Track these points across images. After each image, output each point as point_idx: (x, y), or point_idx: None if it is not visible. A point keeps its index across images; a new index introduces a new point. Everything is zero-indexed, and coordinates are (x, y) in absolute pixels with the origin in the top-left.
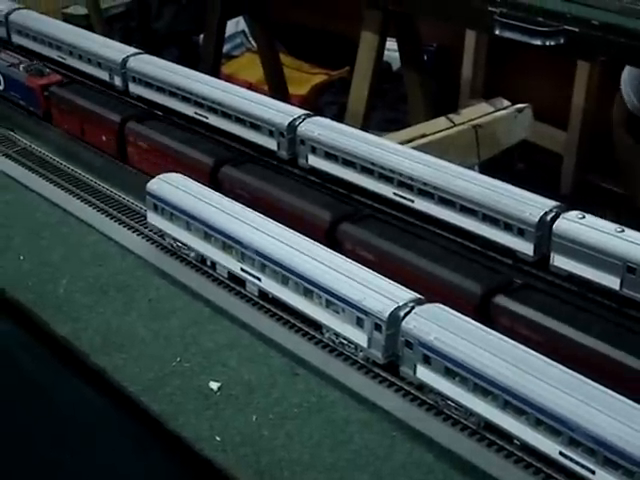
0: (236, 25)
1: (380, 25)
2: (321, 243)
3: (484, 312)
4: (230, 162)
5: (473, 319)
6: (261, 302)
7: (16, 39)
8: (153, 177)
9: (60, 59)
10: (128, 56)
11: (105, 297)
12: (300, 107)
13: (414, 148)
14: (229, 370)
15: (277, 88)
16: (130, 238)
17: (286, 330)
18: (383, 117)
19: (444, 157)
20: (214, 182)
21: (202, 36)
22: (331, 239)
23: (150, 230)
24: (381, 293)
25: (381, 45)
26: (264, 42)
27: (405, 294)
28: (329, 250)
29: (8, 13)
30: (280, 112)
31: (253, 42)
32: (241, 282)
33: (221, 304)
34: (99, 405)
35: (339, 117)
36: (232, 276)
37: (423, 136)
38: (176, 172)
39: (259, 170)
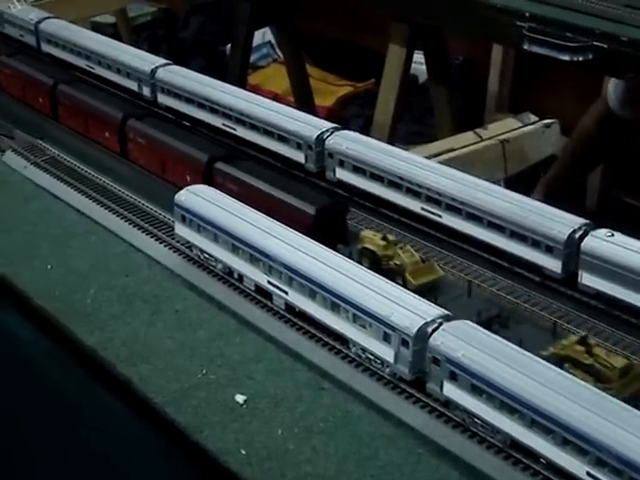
0: (262, 36)
1: (408, 38)
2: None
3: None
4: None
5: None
6: (288, 315)
7: (45, 48)
8: (180, 189)
9: (89, 68)
10: (157, 67)
11: (132, 307)
12: (327, 119)
13: (441, 162)
14: (255, 383)
15: (303, 99)
16: (157, 249)
17: (312, 344)
18: (408, 130)
19: (471, 172)
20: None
21: (228, 46)
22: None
23: (177, 241)
24: (408, 309)
25: (408, 58)
26: (291, 53)
27: (433, 310)
28: (357, 265)
29: (38, 22)
30: (308, 125)
31: (279, 53)
32: (268, 295)
33: (247, 317)
34: (124, 415)
35: (365, 129)
36: (259, 289)
37: (450, 150)
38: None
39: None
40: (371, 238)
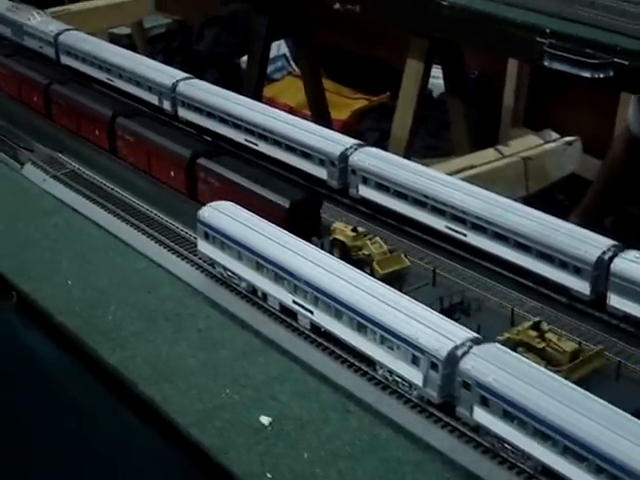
0: (277, 48)
1: (426, 53)
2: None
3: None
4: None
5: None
6: (313, 335)
7: (65, 60)
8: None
9: (109, 81)
10: (178, 80)
11: (154, 325)
12: (341, 132)
13: (462, 179)
14: (280, 404)
15: (319, 112)
16: (179, 265)
17: (338, 365)
18: (424, 144)
19: (492, 189)
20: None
21: (243, 59)
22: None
23: (200, 258)
24: (438, 331)
25: (426, 73)
26: (307, 66)
27: (462, 333)
28: (385, 286)
29: (58, 34)
30: (332, 141)
31: (294, 66)
32: (292, 314)
33: (271, 336)
34: (146, 435)
35: (380, 143)
36: (283, 308)
37: (471, 167)
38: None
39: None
40: (342, 230)
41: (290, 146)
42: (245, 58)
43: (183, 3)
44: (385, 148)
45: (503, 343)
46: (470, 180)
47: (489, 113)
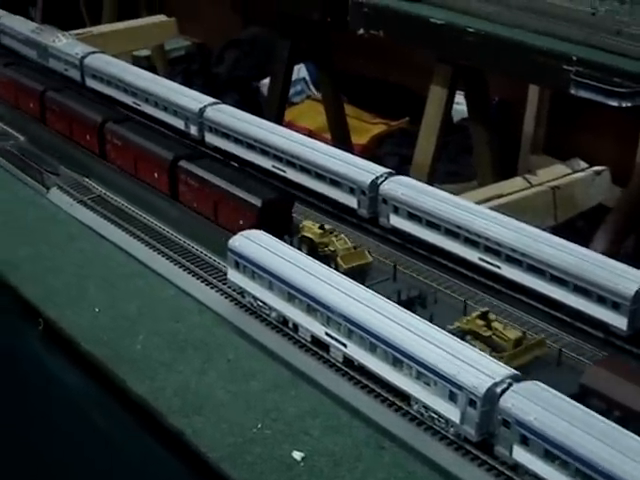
0: (297, 72)
1: (450, 80)
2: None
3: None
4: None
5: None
6: (345, 368)
7: (90, 83)
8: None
9: (135, 105)
10: (205, 106)
11: (183, 355)
12: (361, 157)
13: (490, 208)
14: (312, 439)
15: (340, 137)
16: (208, 294)
17: (371, 399)
18: (444, 169)
19: (520, 218)
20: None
21: (262, 82)
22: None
23: (229, 287)
24: (476, 367)
25: (450, 99)
26: (329, 91)
27: (502, 369)
28: (421, 319)
29: (83, 57)
30: (362, 169)
31: (314, 89)
32: (325, 347)
33: (303, 368)
34: (176, 468)
35: (399, 168)
36: (315, 340)
37: (500, 196)
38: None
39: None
40: (310, 227)
41: (319, 174)
42: (265, 81)
43: (203, 26)
44: (404, 173)
45: (453, 331)
46: (498, 209)
47: (509, 139)
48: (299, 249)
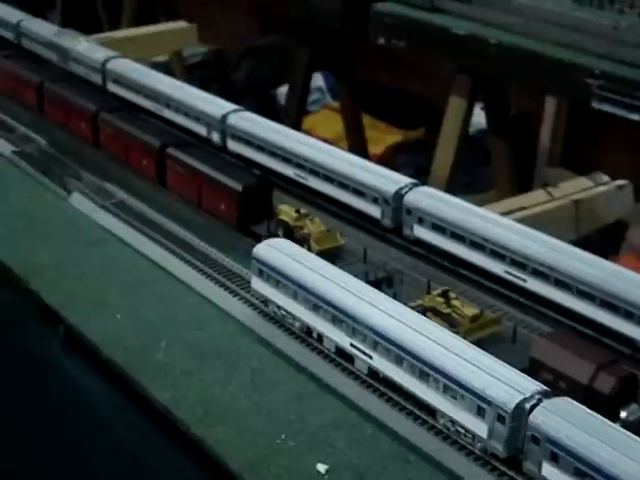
0: (314, 81)
1: (470, 91)
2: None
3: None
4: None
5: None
6: (370, 380)
7: (112, 87)
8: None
9: (156, 111)
10: (228, 112)
11: (205, 363)
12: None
13: (514, 220)
14: (336, 452)
15: (357, 147)
16: (231, 302)
17: (396, 412)
18: (459, 181)
19: (542, 231)
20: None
21: (279, 90)
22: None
23: (252, 295)
24: (505, 382)
25: (469, 111)
26: (348, 100)
27: (531, 385)
28: (450, 333)
29: (105, 61)
30: (385, 179)
31: (330, 98)
32: (349, 358)
33: (327, 379)
34: (197, 479)
35: (415, 178)
36: (340, 351)
37: (522, 209)
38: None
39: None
40: (286, 211)
41: (342, 182)
42: (281, 89)
43: (220, 32)
44: (420, 184)
45: (415, 308)
46: (520, 221)
47: (525, 151)
48: (276, 232)
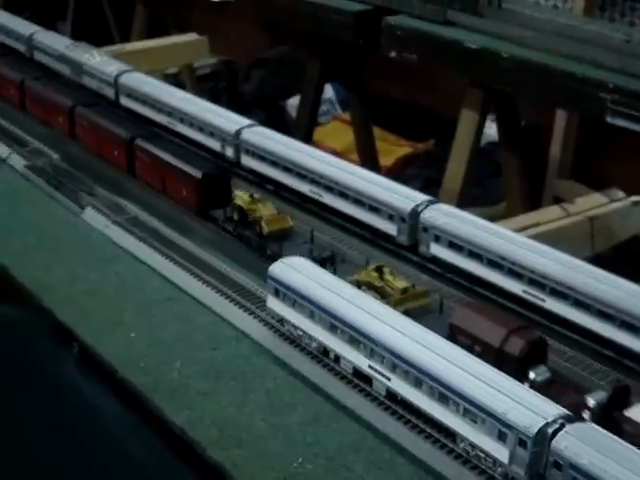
0: (323, 92)
1: (482, 104)
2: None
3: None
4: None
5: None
6: (388, 403)
7: (124, 101)
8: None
9: (170, 125)
10: (242, 127)
11: (221, 384)
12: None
13: (528, 237)
14: (354, 476)
15: (368, 158)
16: (246, 321)
17: (415, 435)
18: (468, 194)
19: (558, 248)
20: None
21: (289, 101)
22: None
23: (267, 314)
24: (527, 406)
25: (481, 124)
26: (358, 112)
27: (553, 409)
28: (470, 356)
29: (118, 75)
30: (401, 196)
31: (339, 109)
32: (367, 379)
33: (344, 401)
34: None
35: (424, 190)
36: (357, 372)
37: (537, 225)
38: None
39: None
40: (241, 196)
41: (357, 199)
42: (291, 100)
43: (230, 44)
44: (429, 195)
45: (352, 282)
46: (535, 238)
47: (535, 163)
48: (231, 216)
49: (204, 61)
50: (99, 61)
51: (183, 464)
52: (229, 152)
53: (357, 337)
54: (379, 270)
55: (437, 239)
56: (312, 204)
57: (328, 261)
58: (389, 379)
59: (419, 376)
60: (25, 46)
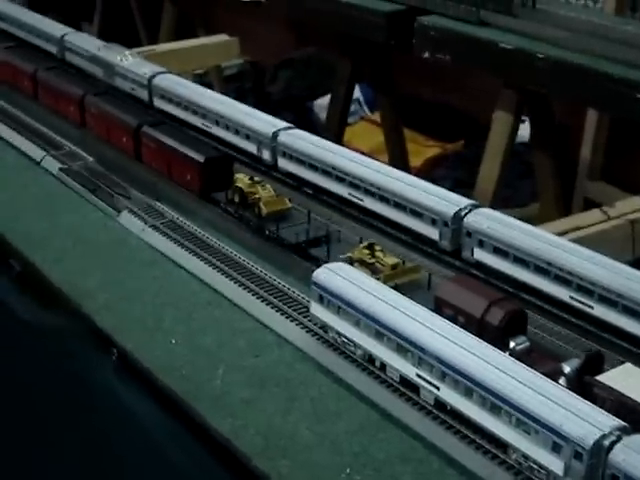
0: None
1: (515, 105)
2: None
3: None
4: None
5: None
6: (437, 412)
7: (158, 103)
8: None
9: (205, 127)
10: (279, 130)
11: (264, 392)
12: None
13: (570, 240)
14: None
15: (398, 159)
16: (289, 328)
17: (465, 446)
18: (499, 195)
19: (599, 251)
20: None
21: (316, 102)
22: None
23: (310, 321)
24: (582, 417)
25: (515, 125)
26: (389, 113)
27: (609, 421)
28: (523, 365)
29: (152, 76)
30: (444, 200)
31: (367, 110)
32: (415, 388)
33: (390, 409)
34: None
35: (454, 191)
36: (404, 380)
37: (578, 229)
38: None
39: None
40: (241, 179)
41: (399, 203)
42: (318, 101)
43: (256, 44)
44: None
45: (345, 260)
46: (576, 241)
47: (565, 164)
48: (232, 198)
49: (231, 61)
50: (132, 62)
51: (227, 473)
52: (266, 155)
53: (404, 345)
54: (370, 247)
55: (481, 244)
56: (351, 206)
57: (323, 240)
58: (438, 388)
59: (469, 385)
60: (57, 47)
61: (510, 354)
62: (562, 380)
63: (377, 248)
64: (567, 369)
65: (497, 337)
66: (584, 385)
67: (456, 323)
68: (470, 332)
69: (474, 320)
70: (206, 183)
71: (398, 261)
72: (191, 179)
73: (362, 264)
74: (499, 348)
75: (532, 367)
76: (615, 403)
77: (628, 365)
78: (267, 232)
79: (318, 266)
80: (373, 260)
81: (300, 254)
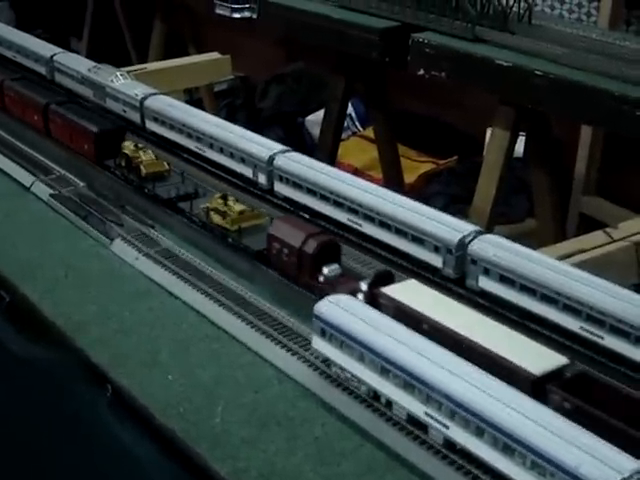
0: None
1: (513, 123)
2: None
3: (46, 115)
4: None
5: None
6: (446, 452)
7: (150, 125)
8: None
9: (199, 150)
10: (275, 153)
11: (266, 431)
12: (407, 196)
13: (573, 264)
14: None
15: (392, 176)
16: (289, 362)
17: None
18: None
19: (603, 275)
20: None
21: (307, 118)
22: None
23: (311, 354)
24: (601, 460)
25: (512, 143)
26: (383, 129)
27: (630, 463)
28: (538, 403)
29: (144, 98)
30: (447, 226)
31: (359, 126)
32: (423, 427)
33: (398, 449)
34: None
35: (447, 208)
36: (412, 419)
37: (582, 251)
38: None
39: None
40: (128, 146)
41: (399, 229)
42: (310, 117)
43: (246, 59)
44: (452, 213)
45: (202, 210)
46: (580, 265)
47: (559, 179)
48: (120, 163)
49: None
50: (123, 84)
51: None
52: (262, 179)
53: (411, 381)
54: (224, 198)
55: (486, 272)
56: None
57: (192, 196)
58: (447, 427)
59: (480, 424)
60: (46, 68)
61: (324, 280)
62: (360, 295)
63: (230, 199)
64: (363, 286)
65: (312, 264)
66: (373, 296)
67: (282, 255)
68: (292, 262)
69: (295, 250)
70: (100, 151)
71: (245, 208)
72: (88, 148)
73: (216, 212)
74: (313, 275)
75: (339, 289)
76: (395, 310)
77: (412, 281)
78: (146, 191)
79: (321, 298)
80: (225, 208)
81: (170, 207)
